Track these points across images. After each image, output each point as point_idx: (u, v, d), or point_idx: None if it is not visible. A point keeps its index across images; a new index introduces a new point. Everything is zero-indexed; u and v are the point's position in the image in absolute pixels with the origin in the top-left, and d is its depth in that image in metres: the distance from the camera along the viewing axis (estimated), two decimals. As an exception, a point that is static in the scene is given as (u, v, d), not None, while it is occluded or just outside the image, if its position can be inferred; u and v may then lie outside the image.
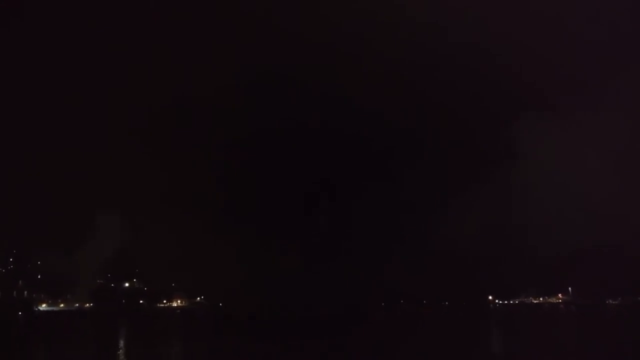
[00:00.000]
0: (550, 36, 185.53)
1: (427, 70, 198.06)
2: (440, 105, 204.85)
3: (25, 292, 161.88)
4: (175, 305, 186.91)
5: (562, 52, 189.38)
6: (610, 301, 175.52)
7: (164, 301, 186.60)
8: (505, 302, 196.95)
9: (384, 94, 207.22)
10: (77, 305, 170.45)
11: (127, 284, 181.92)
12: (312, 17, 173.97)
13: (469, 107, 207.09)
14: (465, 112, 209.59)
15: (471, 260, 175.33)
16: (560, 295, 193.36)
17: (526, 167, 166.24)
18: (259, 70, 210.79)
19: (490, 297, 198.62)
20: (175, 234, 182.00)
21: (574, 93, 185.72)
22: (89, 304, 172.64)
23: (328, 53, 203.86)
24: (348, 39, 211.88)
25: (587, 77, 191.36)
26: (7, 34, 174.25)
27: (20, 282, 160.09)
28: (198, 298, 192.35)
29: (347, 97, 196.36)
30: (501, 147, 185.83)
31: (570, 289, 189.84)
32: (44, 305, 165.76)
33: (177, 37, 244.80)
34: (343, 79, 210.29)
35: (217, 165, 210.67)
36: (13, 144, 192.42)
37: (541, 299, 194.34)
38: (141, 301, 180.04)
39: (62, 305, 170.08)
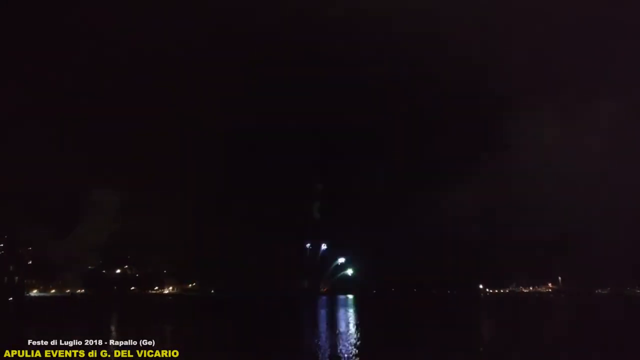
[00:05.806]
0: (544, 27, 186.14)
1: (422, 60, 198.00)
2: (434, 94, 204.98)
3: (16, 278, 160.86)
4: (167, 292, 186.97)
5: (556, 44, 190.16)
6: (599, 291, 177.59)
7: (156, 287, 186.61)
8: (495, 291, 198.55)
9: (379, 85, 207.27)
10: (68, 291, 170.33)
11: (118, 270, 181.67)
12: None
13: (462, 96, 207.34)
14: (458, 101, 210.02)
15: (461, 249, 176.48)
16: (550, 284, 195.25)
17: (517, 157, 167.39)
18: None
19: (480, 286, 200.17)
20: (167, 220, 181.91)
21: (568, 84, 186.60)
22: (81, 290, 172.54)
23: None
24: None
25: (582, 68, 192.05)
26: None
27: (10, 267, 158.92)
28: (190, 285, 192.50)
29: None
30: (493, 137, 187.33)
31: (560, 278, 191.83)
32: (35, 291, 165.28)
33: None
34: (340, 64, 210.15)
35: (212, 151, 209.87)
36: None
37: (531, 288, 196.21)
38: (133, 287, 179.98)
39: (53, 291, 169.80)
